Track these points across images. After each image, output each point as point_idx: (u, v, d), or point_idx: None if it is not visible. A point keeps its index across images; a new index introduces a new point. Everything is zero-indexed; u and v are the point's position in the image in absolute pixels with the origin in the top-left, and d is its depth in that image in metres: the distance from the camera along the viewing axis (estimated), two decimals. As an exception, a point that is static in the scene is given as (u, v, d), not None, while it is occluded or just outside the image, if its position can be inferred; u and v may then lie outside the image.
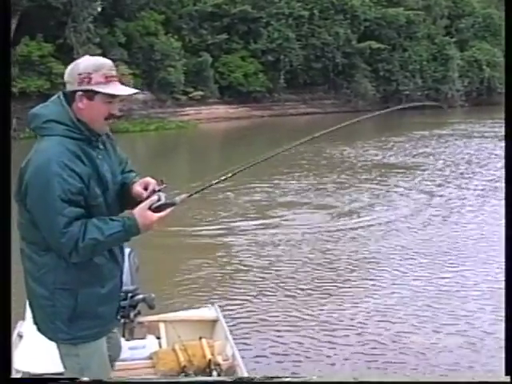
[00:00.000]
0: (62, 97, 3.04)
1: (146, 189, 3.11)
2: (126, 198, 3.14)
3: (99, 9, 35.09)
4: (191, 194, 3.07)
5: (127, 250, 3.62)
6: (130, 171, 3.33)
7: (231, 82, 43.65)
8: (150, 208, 2.97)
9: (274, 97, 46.15)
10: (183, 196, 3.05)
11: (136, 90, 3.16)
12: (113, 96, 3.00)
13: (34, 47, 31.52)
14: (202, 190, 3.11)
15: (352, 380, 5.08)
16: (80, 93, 2.97)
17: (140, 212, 2.96)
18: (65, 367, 3.22)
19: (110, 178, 3.10)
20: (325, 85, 49.21)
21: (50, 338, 3.15)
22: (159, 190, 3.06)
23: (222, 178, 3.11)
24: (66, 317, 3.04)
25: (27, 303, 3.22)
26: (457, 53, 53.91)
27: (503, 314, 6.45)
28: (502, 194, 12.89)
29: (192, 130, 36.00)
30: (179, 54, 39.82)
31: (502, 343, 5.77)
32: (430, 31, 53.85)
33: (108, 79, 2.97)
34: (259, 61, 45.41)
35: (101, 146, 3.10)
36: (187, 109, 39.88)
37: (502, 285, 7.28)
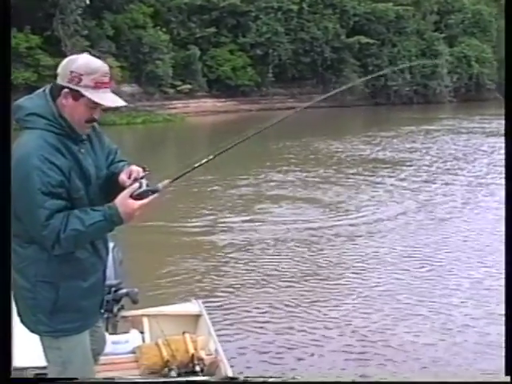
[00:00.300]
0: (47, 91, 3.02)
1: (130, 177, 3.08)
2: (114, 188, 3.08)
3: (87, 1, 34.82)
4: (173, 180, 3.04)
5: (111, 245, 3.60)
6: (120, 161, 3.29)
7: (219, 75, 43.49)
8: (131, 196, 2.93)
9: (262, 91, 46.01)
10: (165, 182, 3.02)
11: (123, 103, 3.07)
12: (97, 103, 2.97)
13: (22, 39, 31.25)
14: (184, 174, 3.05)
15: (340, 380, 5.12)
16: (67, 90, 2.94)
17: (121, 200, 2.94)
18: (48, 360, 3.22)
19: (94, 171, 3.08)
20: (313, 79, 49.11)
21: (32, 331, 3.15)
22: (142, 178, 3.02)
23: (204, 160, 3.07)
24: (47, 310, 3.04)
25: (11, 295, 3.20)
26: (446, 48, 53.90)
27: (486, 309, 6.55)
28: (488, 190, 13.01)
29: (179, 123, 35.86)
30: (167, 47, 39.64)
31: (487, 339, 5.87)
32: (419, 27, 53.81)
33: (97, 85, 2.93)
34: (248, 54, 45.23)
35: (84, 141, 3.08)
36: (175, 102, 39.68)
37: (487, 282, 7.39)
